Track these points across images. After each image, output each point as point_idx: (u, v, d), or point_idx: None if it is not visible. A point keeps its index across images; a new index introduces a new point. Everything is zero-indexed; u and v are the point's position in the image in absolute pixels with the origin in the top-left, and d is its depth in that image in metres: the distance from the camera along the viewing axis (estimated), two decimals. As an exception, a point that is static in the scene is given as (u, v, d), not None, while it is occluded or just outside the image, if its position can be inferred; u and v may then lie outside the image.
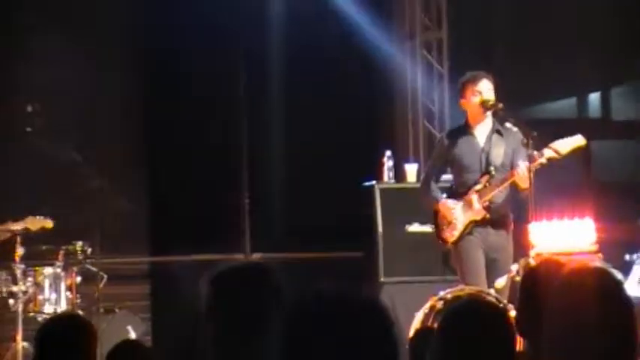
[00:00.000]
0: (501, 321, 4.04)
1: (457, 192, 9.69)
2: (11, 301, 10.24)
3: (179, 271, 11.38)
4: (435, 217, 9.81)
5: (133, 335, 10.18)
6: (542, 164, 9.21)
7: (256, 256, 11.54)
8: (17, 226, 10.20)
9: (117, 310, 10.98)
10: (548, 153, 9.23)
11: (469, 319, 4.00)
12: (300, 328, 2.93)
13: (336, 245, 11.70)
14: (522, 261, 9.03)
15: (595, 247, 9.48)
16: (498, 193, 9.51)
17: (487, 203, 9.51)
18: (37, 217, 10.21)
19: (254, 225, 11.88)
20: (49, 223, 10.22)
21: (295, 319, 2.95)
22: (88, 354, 5.50)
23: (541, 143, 9.18)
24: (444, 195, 9.73)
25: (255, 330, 4.38)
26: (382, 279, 11.13)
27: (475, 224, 9.56)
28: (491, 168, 9.53)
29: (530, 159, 9.12)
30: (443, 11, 12.72)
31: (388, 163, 11.69)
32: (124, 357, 5.83)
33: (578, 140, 9.37)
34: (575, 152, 9.46)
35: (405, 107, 12.80)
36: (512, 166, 9.35)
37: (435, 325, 8.23)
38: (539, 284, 5.12)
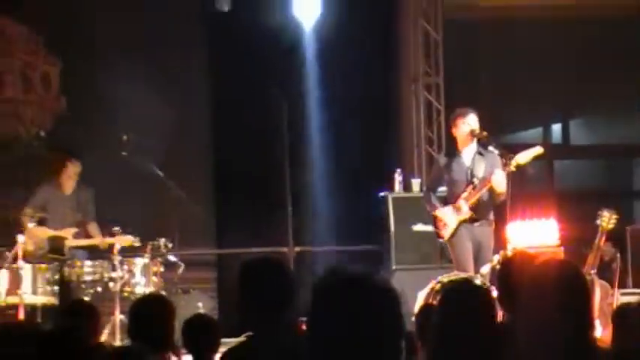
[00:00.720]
0: (486, 299, 4.06)
1: (450, 200, 9.71)
2: (111, 284, 10.25)
3: (238, 260, 11.42)
4: (434, 220, 9.86)
5: (202, 310, 9.97)
6: (512, 171, 9.29)
7: (297, 249, 11.48)
8: (111, 242, 10.34)
9: (191, 291, 10.94)
10: (514, 161, 9.35)
11: (462, 297, 4.02)
12: (318, 299, 2.86)
13: (359, 240, 11.67)
14: (501, 253, 8.96)
15: (558, 243, 9.53)
16: (481, 198, 9.54)
17: (472, 206, 9.55)
18: (127, 236, 10.28)
19: (295, 224, 11.69)
20: (136, 242, 10.34)
21: (316, 291, 2.86)
22: (168, 324, 5.55)
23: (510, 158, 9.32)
24: (441, 204, 9.74)
25: (276, 306, 4.50)
26: (394, 267, 11.20)
27: (464, 223, 9.61)
28: (475, 180, 9.57)
29: (504, 166, 9.27)
30: (440, 62, 12.69)
31: (398, 178, 11.77)
32: (196, 326, 5.87)
33: (537, 150, 9.49)
34: (537, 159, 9.57)
35: (411, 135, 12.77)
36: (491, 178, 9.43)
37: (435, 302, 8.35)
38: (514, 272, 5.18)
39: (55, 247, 10.60)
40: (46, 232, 10.58)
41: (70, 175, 10.69)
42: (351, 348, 2.76)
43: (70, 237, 10.61)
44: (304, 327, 3.84)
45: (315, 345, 2.86)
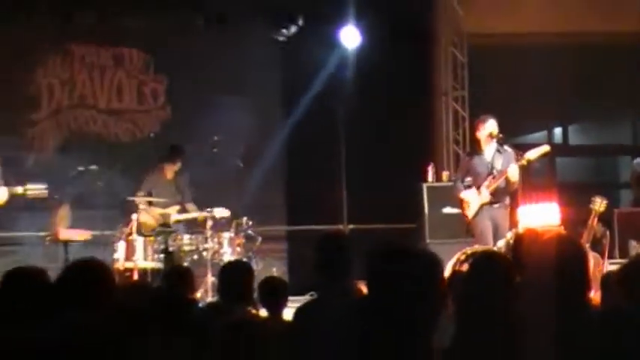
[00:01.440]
0: (505, 264, 3.98)
1: (474, 188, 9.72)
2: (204, 253, 10.28)
3: (303, 235, 11.46)
4: (460, 203, 9.85)
5: (275, 274, 10.09)
6: (523, 165, 9.33)
7: (350, 226, 11.37)
8: (208, 215, 10.38)
9: (266, 259, 10.97)
10: (525, 157, 9.35)
11: (485, 264, 3.98)
12: (373, 266, 2.84)
13: (400, 220, 11.58)
14: (514, 231, 9.08)
15: (559, 223, 9.44)
16: (498, 186, 9.53)
17: (492, 191, 9.55)
18: (221, 208, 10.37)
19: (349, 205, 11.65)
20: (226, 213, 10.40)
21: (371, 260, 2.85)
22: (249, 285, 5.61)
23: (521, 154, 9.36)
24: (466, 190, 9.76)
25: (339, 273, 4.48)
26: (428, 241, 11.13)
27: (485, 205, 9.59)
28: (494, 171, 9.58)
29: (516, 161, 9.29)
30: (465, 79, 12.71)
31: (431, 171, 11.74)
32: (270, 286, 5.87)
33: (545, 148, 9.59)
34: (544, 156, 9.68)
35: (441, 137, 12.74)
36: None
37: (462, 269, 8.30)
38: (525, 244, 5.12)
39: (163, 222, 10.64)
40: (155, 211, 10.63)
41: (173, 165, 10.74)
42: (402, 304, 2.73)
43: (173, 213, 10.64)
44: (362, 289, 3.82)
45: (373, 303, 2.82)
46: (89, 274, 3.52)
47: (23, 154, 11.92)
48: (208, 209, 10.39)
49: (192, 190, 10.90)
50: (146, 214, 10.54)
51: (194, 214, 10.63)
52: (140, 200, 10.41)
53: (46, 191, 8.98)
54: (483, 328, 3.30)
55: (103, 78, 12.61)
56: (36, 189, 8.96)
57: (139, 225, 10.40)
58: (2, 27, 11.67)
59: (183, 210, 10.73)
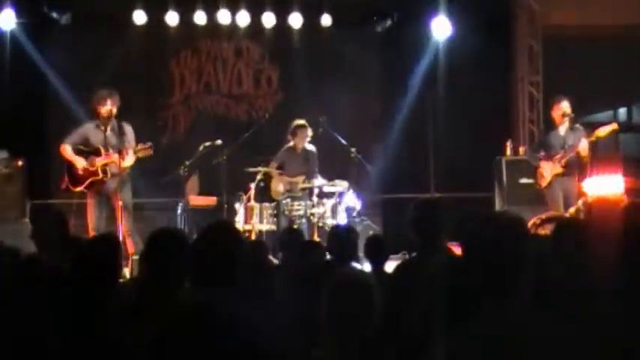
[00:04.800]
0: (578, 224, 3.94)
1: (548, 160, 9.57)
2: (312, 217, 10.28)
3: (396, 201, 11.42)
4: (535, 173, 9.74)
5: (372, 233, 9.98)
6: (593, 140, 9.19)
7: (437, 195, 11.23)
8: (333, 186, 10.38)
9: (364, 223, 10.79)
10: (595, 133, 9.18)
11: (565, 226, 3.91)
12: (470, 230, 2.77)
13: (482, 190, 11.48)
14: (582, 199, 8.96)
15: (623, 192, 9.23)
16: (570, 159, 9.39)
17: (564, 164, 9.36)
18: (341, 180, 10.35)
19: (436, 176, 11.61)
20: (344, 184, 10.35)
21: (468, 224, 2.79)
22: (353, 243, 5.60)
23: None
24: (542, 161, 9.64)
25: (434, 235, 4.35)
26: (506, 208, 10.91)
27: (557, 176, 9.43)
28: (566, 146, 9.43)
29: (588, 137, 9.12)
30: (539, 65, 12.45)
31: (510, 146, 11.54)
32: (373, 243, 5.81)
33: (613, 125, 9.45)
34: (612, 133, 9.47)
35: (518, 116, 12.50)
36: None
37: (538, 232, 8.15)
38: (593, 211, 5.01)
39: (291, 189, 10.62)
40: (285, 179, 10.63)
41: (302, 138, 10.67)
42: (491, 262, 2.66)
43: (300, 182, 10.62)
44: (455, 249, 3.72)
45: (467, 261, 2.76)
46: (226, 234, 3.52)
47: (159, 134, 12.11)
48: (331, 182, 10.40)
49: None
50: (276, 182, 10.59)
51: (321, 182, 10.50)
52: (271, 169, 10.52)
53: (151, 149, 8.94)
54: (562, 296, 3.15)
55: (225, 68, 12.75)
56: (142, 148, 8.94)
57: (270, 191, 10.46)
58: (145, 26, 11.81)
59: (309, 180, 10.63)
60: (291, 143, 10.73)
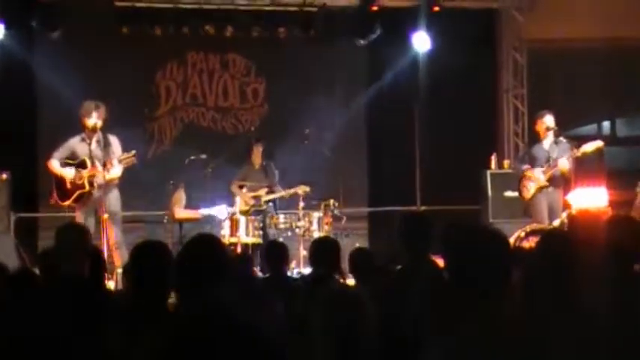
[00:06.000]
0: (562, 236, 3.87)
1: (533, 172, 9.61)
2: (297, 230, 10.35)
3: (382, 215, 11.43)
4: (519, 185, 9.77)
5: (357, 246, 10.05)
6: (578, 157, 9.22)
7: (422, 207, 11.30)
8: (292, 192, 10.41)
9: (350, 236, 10.83)
10: (581, 150, 9.22)
11: (556, 238, 3.81)
12: (451, 241, 2.91)
13: (466, 203, 11.42)
14: (567, 212, 8.98)
15: (607, 205, 9.28)
16: (554, 172, 9.43)
17: (548, 177, 9.42)
18: (302, 186, 10.35)
19: (422, 190, 11.62)
20: (308, 188, 10.34)
21: (451, 236, 2.91)
22: (336, 256, 5.58)
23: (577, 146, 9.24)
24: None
25: (421, 247, 4.37)
26: (490, 220, 11.00)
27: (541, 188, 9.47)
28: (550, 160, 9.47)
29: (572, 153, 9.15)
30: (524, 79, 12.52)
31: (494, 159, 11.61)
32: (358, 258, 5.85)
33: (597, 143, 9.43)
34: (597, 151, 9.45)
35: (503, 129, 12.57)
36: (559, 161, 9.29)
37: (522, 245, 8.18)
38: (577, 223, 5.03)
39: (255, 204, 10.66)
40: (248, 195, 10.66)
41: (257, 154, 10.72)
42: (474, 272, 2.72)
43: (263, 194, 10.64)
44: (438, 261, 3.75)
45: (450, 271, 2.81)
46: (209, 247, 3.52)
47: (144, 145, 12.05)
48: (291, 189, 10.43)
49: (286, 175, 10.89)
50: (241, 200, 10.65)
51: (281, 193, 10.59)
52: (234, 187, 10.57)
53: (135, 158, 8.88)
54: (549, 299, 3.21)
55: (212, 80, 12.72)
56: (126, 157, 8.89)
57: (242, 207, 10.52)
58: (130, 39, 11.79)
59: (271, 192, 10.70)
60: (249, 160, 10.86)
